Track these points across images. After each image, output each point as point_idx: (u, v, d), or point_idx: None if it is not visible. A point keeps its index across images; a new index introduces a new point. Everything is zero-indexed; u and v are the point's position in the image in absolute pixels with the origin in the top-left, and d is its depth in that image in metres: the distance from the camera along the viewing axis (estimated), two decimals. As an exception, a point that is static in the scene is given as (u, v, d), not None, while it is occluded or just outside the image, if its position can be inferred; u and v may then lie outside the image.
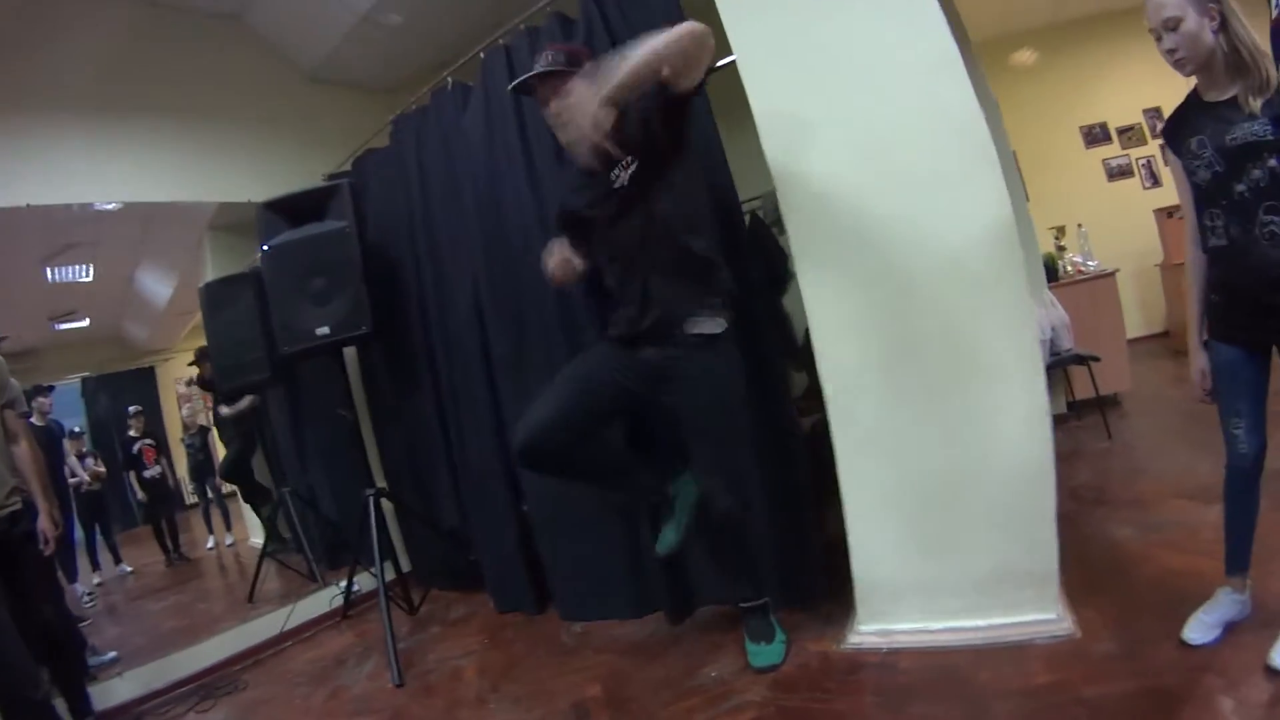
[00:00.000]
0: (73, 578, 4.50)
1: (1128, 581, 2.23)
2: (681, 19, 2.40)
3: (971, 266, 2.06)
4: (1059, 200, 6.16)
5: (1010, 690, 1.81)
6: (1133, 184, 6.51)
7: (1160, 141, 1.96)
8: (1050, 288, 4.65)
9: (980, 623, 2.09)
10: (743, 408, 2.34)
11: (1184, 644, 1.80)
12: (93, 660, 3.46)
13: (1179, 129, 1.83)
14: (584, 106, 2.10)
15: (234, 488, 5.67)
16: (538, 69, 2.26)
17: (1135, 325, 5.95)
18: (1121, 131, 6.54)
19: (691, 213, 2.22)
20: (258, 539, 5.33)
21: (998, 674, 1.89)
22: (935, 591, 2.17)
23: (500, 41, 2.99)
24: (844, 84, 2.18)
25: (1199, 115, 1.77)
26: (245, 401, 5.46)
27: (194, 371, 6.15)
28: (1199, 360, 1.90)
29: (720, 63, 2.40)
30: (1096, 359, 4.19)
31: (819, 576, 2.49)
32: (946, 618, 2.14)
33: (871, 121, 2.15)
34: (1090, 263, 5.03)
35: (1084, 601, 2.12)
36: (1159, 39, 1.72)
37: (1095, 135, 6.63)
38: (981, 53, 5.22)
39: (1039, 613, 2.04)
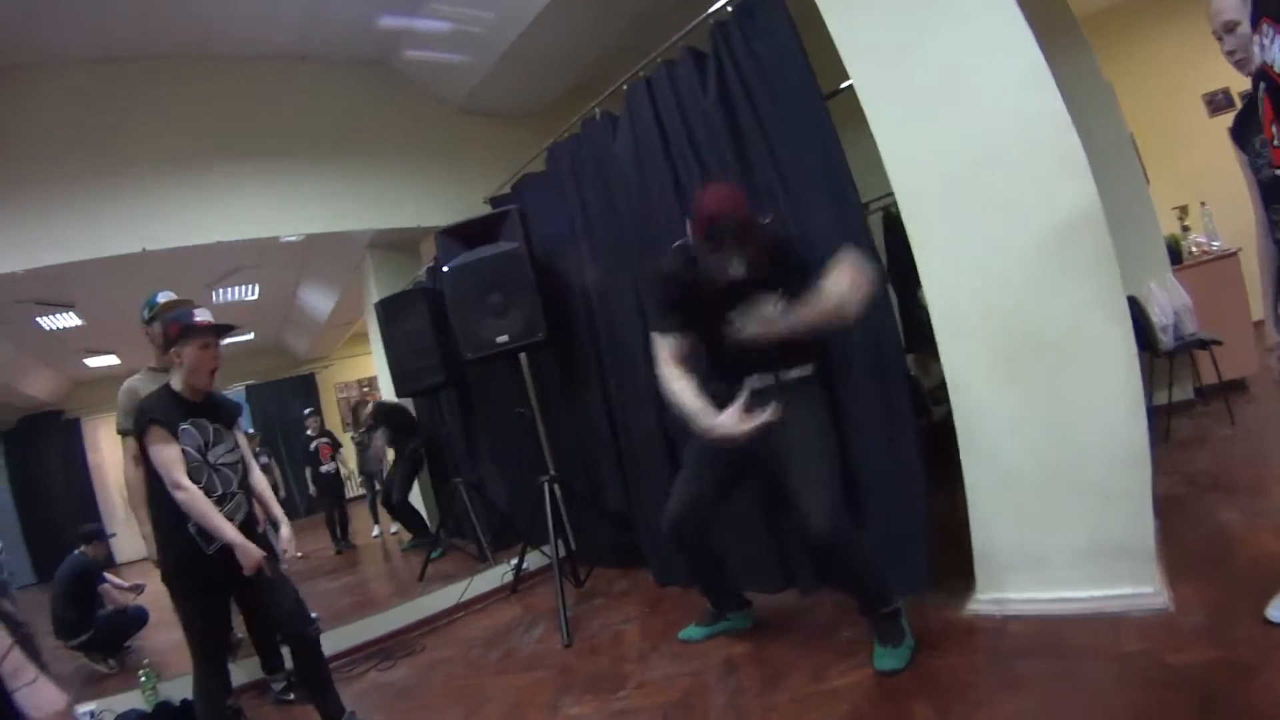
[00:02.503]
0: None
1: (1227, 562, 2.38)
2: (804, 60, 2.76)
3: (1068, 267, 2.31)
4: (1184, 175, 5.96)
5: (1102, 654, 2.05)
6: (1261, 150, 6.22)
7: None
8: (1175, 271, 4.63)
9: (1084, 594, 2.33)
10: (831, 437, 2.59)
11: (1268, 622, 1.93)
12: None
13: (1244, 126, 1.92)
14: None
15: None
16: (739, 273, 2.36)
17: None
18: (1244, 95, 6.23)
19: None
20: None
21: (1094, 640, 2.13)
22: (1045, 564, 2.42)
23: (641, 74, 3.37)
24: (948, 101, 2.46)
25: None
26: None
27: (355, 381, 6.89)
28: (1275, 346, 2.03)
29: (842, 86, 2.74)
30: (1219, 342, 4.20)
31: (925, 566, 2.68)
32: (1054, 588, 2.39)
33: (975, 134, 2.43)
34: (1214, 243, 4.99)
35: (1184, 579, 2.30)
36: (1220, 39, 1.86)
37: (1218, 102, 6.34)
38: (1093, 29, 5.14)
39: (1137, 586, 2.25)
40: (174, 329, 2.65)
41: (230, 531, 2.52)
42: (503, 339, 3.83)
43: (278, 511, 2.72)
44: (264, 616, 2.84)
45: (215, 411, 2.75)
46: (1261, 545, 2.43)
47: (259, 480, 2.78)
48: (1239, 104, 6.33)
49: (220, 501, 2.59)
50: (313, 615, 2.80)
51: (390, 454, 6.60)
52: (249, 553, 2.52)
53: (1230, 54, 1.86)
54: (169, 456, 2.51)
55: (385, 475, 6.81)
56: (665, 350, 2.59)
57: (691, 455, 2.74)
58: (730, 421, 2.34)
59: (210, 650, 2.65)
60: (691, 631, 3.01)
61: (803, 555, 3.05)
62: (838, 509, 2.35)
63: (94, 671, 4.22)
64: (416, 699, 3.19)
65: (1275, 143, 1.71)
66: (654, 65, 3.32)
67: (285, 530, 2.83)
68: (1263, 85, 1.68)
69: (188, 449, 2.57)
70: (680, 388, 2.51)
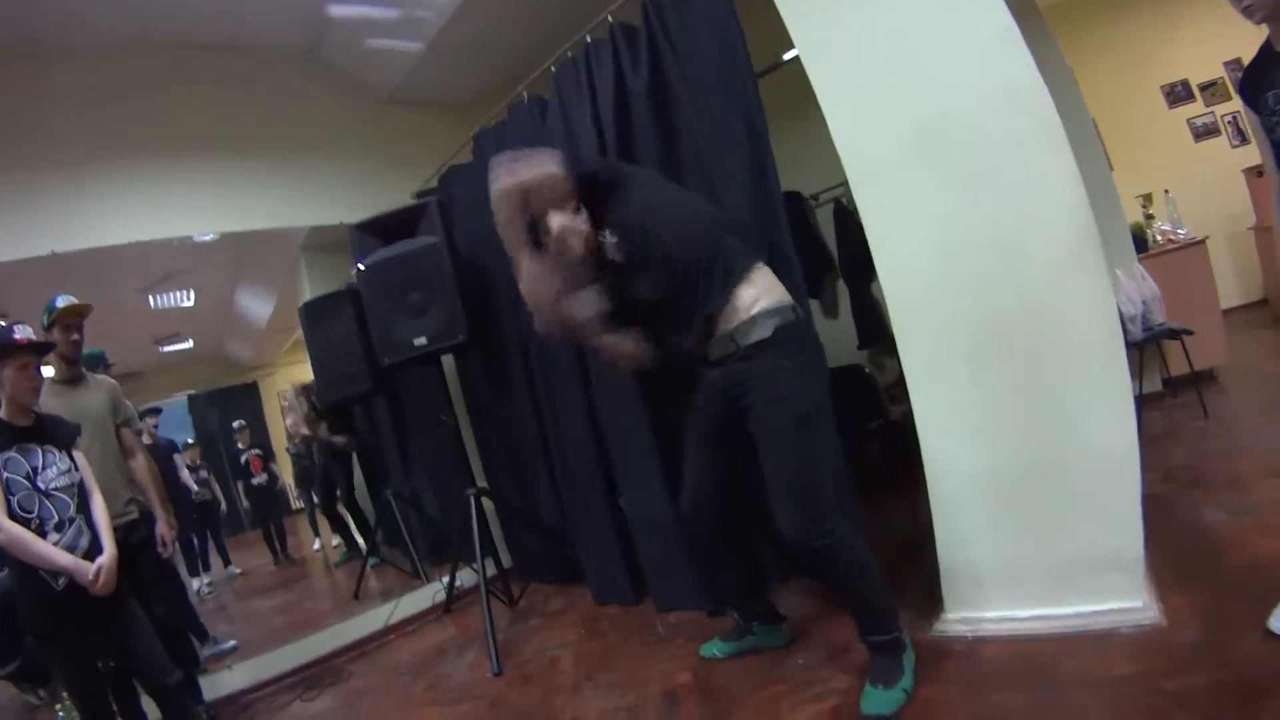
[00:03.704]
0: (193, 573, 5.00)
1: (1218, 567, 2.18)
2: (736, 25, 2.52)
3: (1046, 246, 2.05)
4: (1145, 166, 5.96)
5: (1090, 680, 1.82)
6: (1220, 143, 6.19)
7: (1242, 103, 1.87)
8: (1140, 259, 4.48)
9: (1065, 610, 2.08)
10: (818, 414, 2.16)
11: (1270, 634, 1.74)
12: (211, 650, 3.79)
13: (1255, 84, 1.76)
14: (568, 228, 2.22)
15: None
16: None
17: (1232, 294, 5.66)
18: (1204, 88, 6.23)
19: (685, 228, 2.18)
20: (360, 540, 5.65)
21: (1080, 663, 1.89)
22: (1020, 579, 2.17)
23: (568, 54, 3.11)
24: (905, 66, 2.18)
25: (1273, 68, 1.71)
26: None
27: (294, 383, 6.54)
28: None
29: (785, 56, 2.48)
30: (1190, 332, 4.05)
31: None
32: (1032, 605, 2.15)
33: (935, 102, 2.15)
34: (1180, 230, 4.84)
35: (1172, 588, 2.09)
36: None
37: (1177, 94, 6.34)
38: (1052, 19, 5.06)
39: (1124, 600, 2.02)
40: None
41: (59, 557, 2.30)
42: (421, 341, 3.53)
43: (105, 540, 2.46)
44: (122, 660, 2.57)
45: (47, 433, 2.51)
46: (1253, 547, 2.23)
47: (98, 506, 2.53)
48: (1198, 96, 6.39)
49: (58, 529, 2.36)
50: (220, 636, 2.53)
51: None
52: (84, 573, 2.31)
53: (1238, 1, 1.67)
54: None
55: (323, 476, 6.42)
56: None
57: (688, 433, 2.41)
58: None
59: (88, 696, 2.45)
60: (713, 647, 2.61)
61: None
62: (814, 510, 2.04)
63: (24, 703, 3.88)
64: (337, 736, 2.98)
65: None
66: (582, 44, 3.06)
67: (162, 525, 2.96)
68: None
69: (14, 478, 2.34)
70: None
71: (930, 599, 2.38)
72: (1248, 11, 1.67)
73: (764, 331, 2.08)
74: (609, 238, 2.21)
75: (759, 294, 2.12)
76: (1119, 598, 2.03)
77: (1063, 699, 1.78)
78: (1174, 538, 2.43)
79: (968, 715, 1.86)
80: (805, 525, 2.03)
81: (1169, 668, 1.76)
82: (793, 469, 2.07)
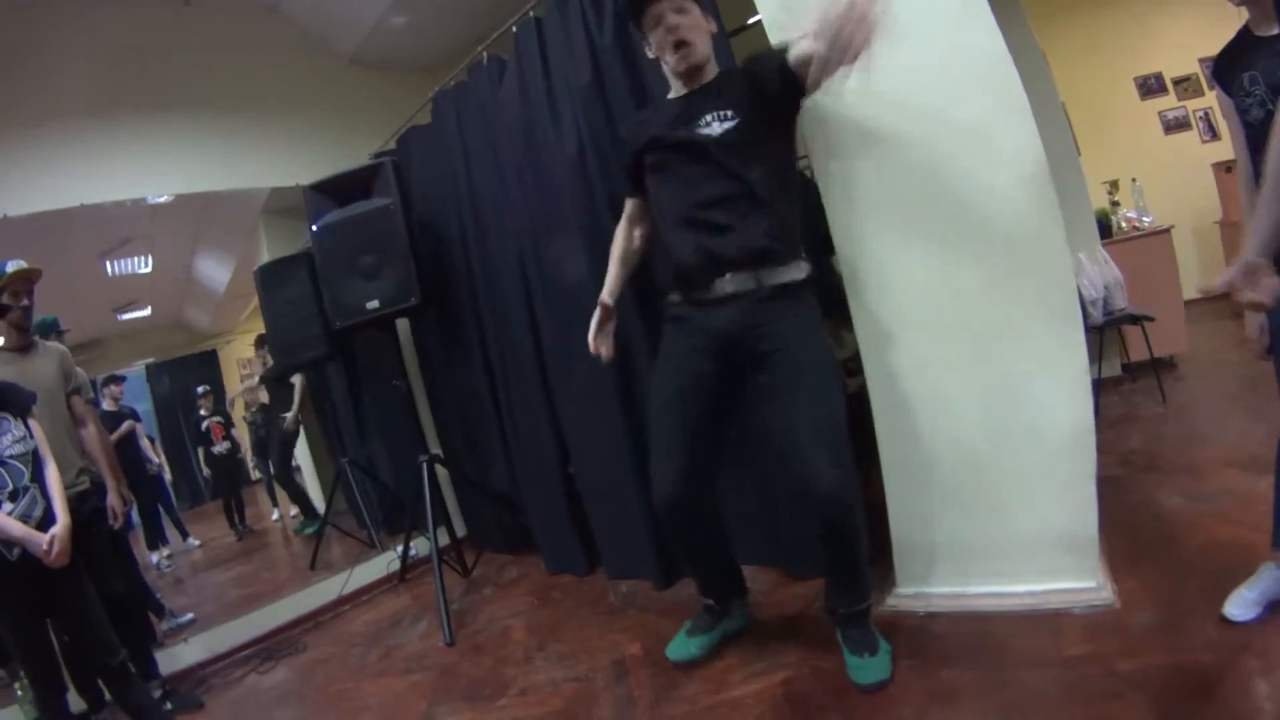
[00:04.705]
0: (152, 545, 4.92)
1: (1173, 552, 2.17)
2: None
3: (1005, 219, 2.00)
4: (1114, 154, 5.97)
5: (1042, 660, 1.80)
6: (1190, 137, 6.22)
7: (1214, 86, 1.87)
8: (1104, 244, 4.49)
9: (1018, 589, 2.07)
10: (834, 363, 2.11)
11: (1225, 620, 1.74)
12: (169, 624, 3.70)
13: (1230, 65, 1.76)
14: (703, 29, 2.03)
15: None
16: None
17: (1195, 286, 5.71)
18: (1177, 82, 6.25)
19: (781, 184, 2.02)
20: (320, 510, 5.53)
21: (1032, 642, 1.88)
22: (973, 555, 2.16)
23: (531, 14, 3.01)
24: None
25: (1250, 50, 1.70)
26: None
27: (252, 353, 6.42)
28: (1256, 316, 1.81)
29: (750, 21, 2.42)
30: (1150, 319, 4.07)
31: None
32: (984, 582, 2.13)
33: (898, 71, 2.05)
34: (1145, 218, 4.86)
35: (1127, 571, 2.09)
36: None
37: (1150, 86, 6.35)
38: (1030, 5, 5.05)
39: (1078, 580, 2.01)
40: None
41: (12, 527, 2.23)
42: (373, 304, 3.45)
43: (58, 510, 2.38)
44: (71, 635, 2.51)
45: (2, 400, 2.43)
46: (1208, 532, 2.24)
47: (52, 475, 2.45)
48: (1171, 90, 6.39)
49: (11, 498, 2.29)
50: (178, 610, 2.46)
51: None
52: (37, 544, 2.23)
53: None
54: None
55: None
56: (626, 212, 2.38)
57: (659, 409, 2.17)
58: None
59: (43, 672, 2.42)
60: (686, 648, 2.29)
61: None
62: (846, 464, 1.89)
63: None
64: (291, 707, 2.93)
65: None
66: (546, 3, 2.96)
67: (113, 496, 2.93)
68: None
69: None
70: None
71: (882, 573, 2.35)
72: None
73: (798, 274, 2.01)
74: (724, 118, 1.97)
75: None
76: (1072, 578, 2.02)
77: (1014, 677, 1.77)
78: (1129, 521, 2.43)
79: (918, 690, 1.84)
80: (843, 477, 1.86)
81: (1121, 649, 1.75)
82: (828, 415, 1.91)
